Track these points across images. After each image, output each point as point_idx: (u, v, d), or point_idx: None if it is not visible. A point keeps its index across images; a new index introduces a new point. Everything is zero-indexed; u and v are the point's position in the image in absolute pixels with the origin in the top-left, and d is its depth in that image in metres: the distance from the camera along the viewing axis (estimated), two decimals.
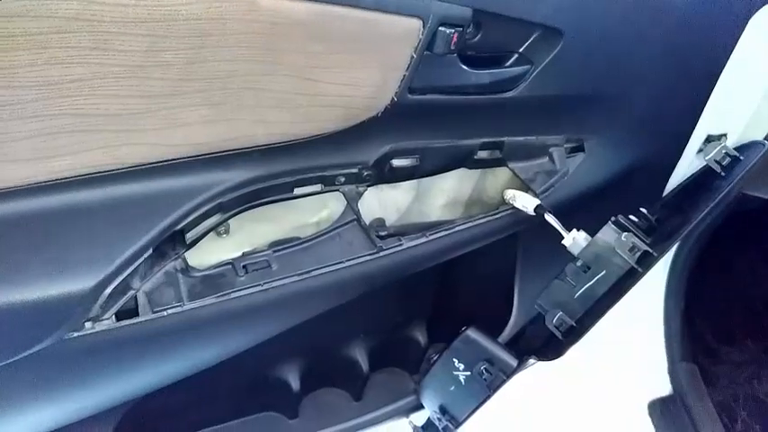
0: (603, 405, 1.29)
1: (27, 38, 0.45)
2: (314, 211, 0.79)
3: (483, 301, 1.07)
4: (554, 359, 0.77)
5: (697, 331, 1.25)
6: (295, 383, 1.03)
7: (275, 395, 1.04)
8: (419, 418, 1.03)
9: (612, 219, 0.73)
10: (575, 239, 0.74)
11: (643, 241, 0.71)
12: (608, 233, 0.72)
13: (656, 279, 1.16)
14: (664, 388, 1.33)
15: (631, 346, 1.22)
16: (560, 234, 0.76)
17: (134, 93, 0.52)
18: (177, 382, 0.73)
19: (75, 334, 0.59)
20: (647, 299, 1.18)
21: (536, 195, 0.81)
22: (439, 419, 0.90)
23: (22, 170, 0.52)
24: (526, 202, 0.79)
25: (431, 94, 0.66)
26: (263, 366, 1.00)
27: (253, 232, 0.75)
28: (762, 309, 1.34)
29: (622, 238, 0.70)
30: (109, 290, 0.58)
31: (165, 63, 0.51)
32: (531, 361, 0.80)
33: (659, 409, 1.31)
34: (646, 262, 0.70)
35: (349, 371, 1.09)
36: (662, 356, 1.18)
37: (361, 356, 1.08)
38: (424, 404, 0.94)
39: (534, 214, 0.78)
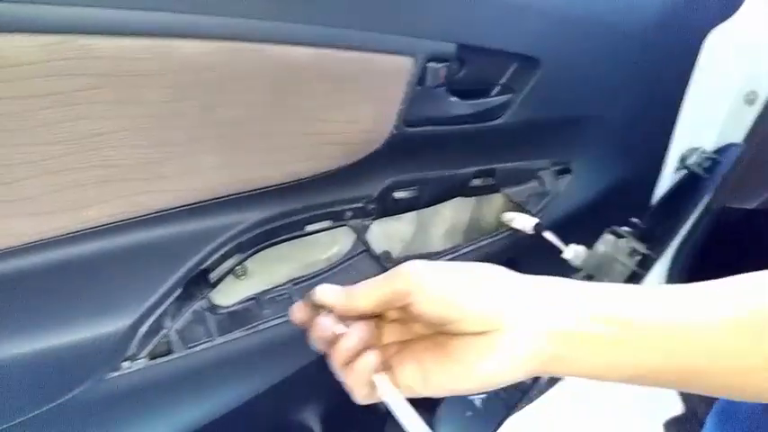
0: (619, 429, 1.30)
1: (58, 96, 0.49)
2: (325, 247, 0.82)
3: None
4: None
5: None
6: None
7: None
8: None
9: (608, 229, 0.77)
10: (575, 251, 0.78)
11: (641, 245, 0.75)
12: (606, 242, 0.76)
13: None
14: (676, 406, 1.35)
15: None
16: (558, 250, 0.80)
17: (154, 142, 0.56)
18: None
19: (115, 374, 0.62)
20: None
21: (532, 215, 0.85)
22: None
23: (54, 222, 0.55)
24: (525, 223, 0.83)
25: (425, 125, 0.71)
26: (279, 415, 1.00)
27: (269, 272, 0.77)
28: None
29: (620, 244, 0.74)
30: (144, 329, 0.61)
31: (182, 112, 0.55)
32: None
33: (675, 428, 1.32)
34: (645, 264, 0.74)
35: (371, 416, 1.08)
36: None
37: None
38: None
39: (533, 233, 0.82)
